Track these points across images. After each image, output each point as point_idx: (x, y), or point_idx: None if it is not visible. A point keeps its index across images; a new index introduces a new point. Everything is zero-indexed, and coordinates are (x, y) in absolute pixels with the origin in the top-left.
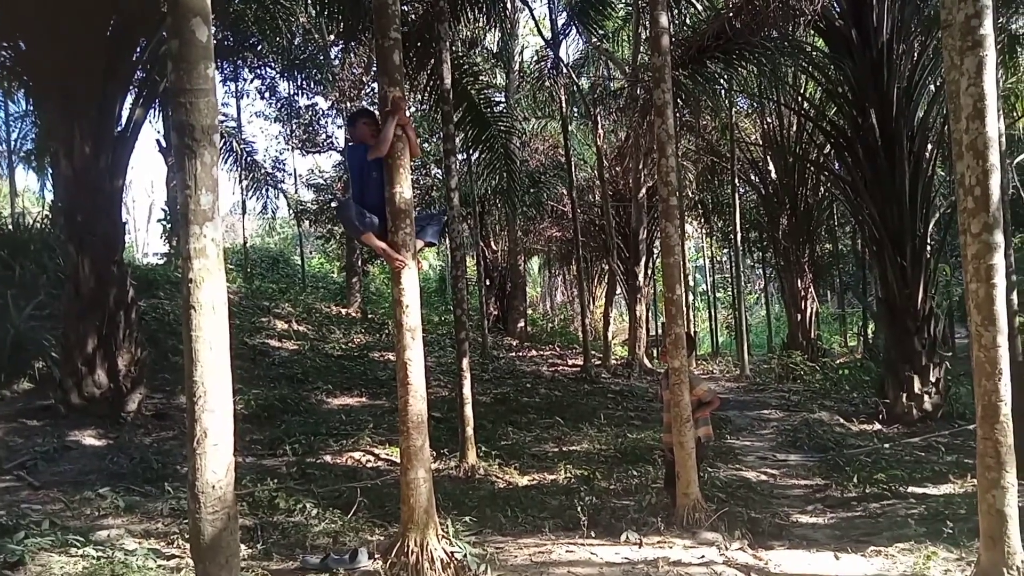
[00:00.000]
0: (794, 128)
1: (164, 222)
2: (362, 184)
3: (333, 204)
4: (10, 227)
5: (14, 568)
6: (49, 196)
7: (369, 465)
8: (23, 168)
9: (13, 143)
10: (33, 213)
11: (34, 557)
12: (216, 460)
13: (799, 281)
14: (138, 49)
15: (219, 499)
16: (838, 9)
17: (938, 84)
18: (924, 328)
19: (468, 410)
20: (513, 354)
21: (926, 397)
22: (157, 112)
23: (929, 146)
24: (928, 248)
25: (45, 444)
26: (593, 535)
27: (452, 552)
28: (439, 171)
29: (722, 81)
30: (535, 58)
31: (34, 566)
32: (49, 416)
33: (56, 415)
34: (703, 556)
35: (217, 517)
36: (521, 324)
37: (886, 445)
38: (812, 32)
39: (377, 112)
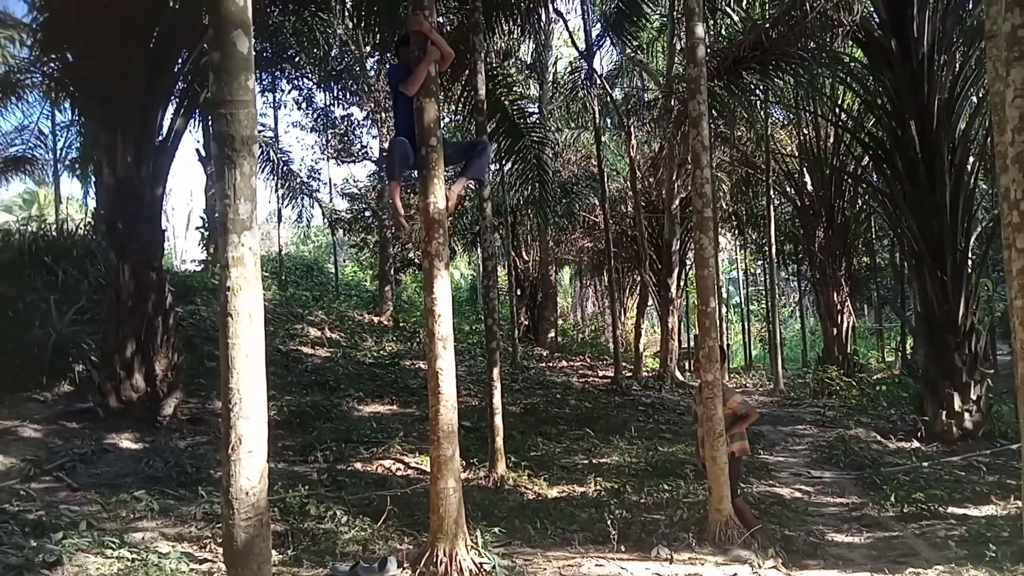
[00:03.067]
0: (831, 140)
1: (202, 230)
2: (395, 101)
3: (367, 213)
4: (54, 233)
5: (52, 568)
6: (92, 203)
7: (399, 473)
8: (68, 176)
9: (59, 151)
10: (76, 220)
11: (71, 557)
12: (250, 467)
13: (835, 294)
14: (179, 60)
15: (252, 506)
16: (877, 20)
17: (980, 95)
18: (965, 344)
19: (498, 420)
20: (543, 364)
21: (967, 415)
22: (197, 122)
23: (971, 158)
24: (969, 262)
25: (84, 446)
26: (623, 549)
27: (481, 563)
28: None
29: (758, 92)
30: (569, 69)
31: (71, 566)
32: (88, 419)
33: (95, 418)
34: (735, 574)
35: (250, 523)
36: (552, 334)
37: (925, 464)
38: (850, 43)
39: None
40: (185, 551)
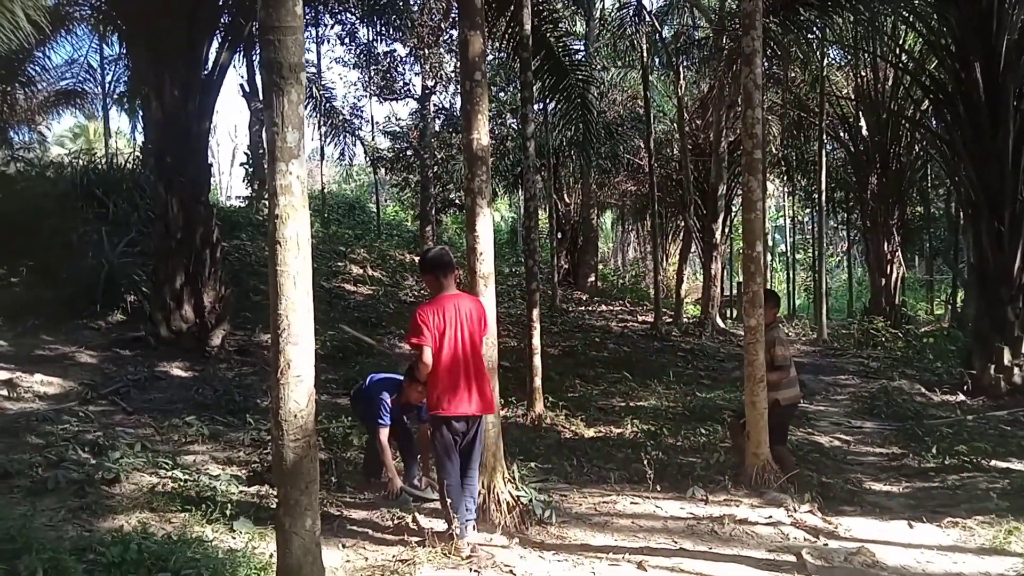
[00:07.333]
0: (890, 82)
1: (247, 166)
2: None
3: (408, 152)
4: (105, 166)
5: (111, 484)
6: (140, 138)
7: None
8: (116, 110)
9: (108, 85)
10: (125, 154)
11: (128, 476)
12: (298, 390)
13: (886, 244)
14: None
15: (300, 427)
16: None
17: None
18: (1019, 297)
19: (537, 360)
20: (582, 308)
21: (1016, 370)
22: (241, 57)
23: None
24: None
25: (137, 373)
26: (659, 489)
27: (518, 496)
28: (514, 121)
29: (815, 30)
30: (616, 5)
31: (128, 484)
32: (140, 347)
33: (147, 346)
34: (771, 516)
35: (298, 444)
36: (592, 278)
37: (969, 417)
38: None
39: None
40: (234, 474)
